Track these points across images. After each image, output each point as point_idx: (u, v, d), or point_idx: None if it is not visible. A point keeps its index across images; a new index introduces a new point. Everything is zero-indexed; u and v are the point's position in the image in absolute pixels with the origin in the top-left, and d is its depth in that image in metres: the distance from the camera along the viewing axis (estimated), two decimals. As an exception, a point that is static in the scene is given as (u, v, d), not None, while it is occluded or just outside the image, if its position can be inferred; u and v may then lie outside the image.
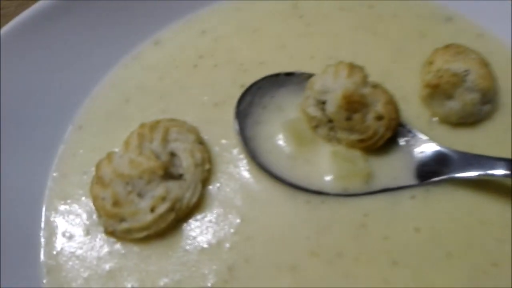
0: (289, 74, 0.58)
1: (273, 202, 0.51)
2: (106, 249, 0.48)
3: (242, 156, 0.54)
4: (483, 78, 0.54)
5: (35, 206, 0.51)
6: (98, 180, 0.49)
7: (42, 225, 0.51)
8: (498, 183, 0.52)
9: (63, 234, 0.50)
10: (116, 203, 0.47)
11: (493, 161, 0.50)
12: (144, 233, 0.48)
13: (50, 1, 0.57)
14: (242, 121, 0.54)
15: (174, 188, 0.49)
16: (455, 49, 0.57)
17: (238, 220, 0.50)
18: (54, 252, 0.49)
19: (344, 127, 0.52)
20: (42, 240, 0.50)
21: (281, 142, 0.54)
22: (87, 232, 0.50)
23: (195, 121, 0.55)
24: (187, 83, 0.59)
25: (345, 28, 0.64)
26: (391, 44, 0.62)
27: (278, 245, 0.49)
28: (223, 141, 0.54)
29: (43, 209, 0.51)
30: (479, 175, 0.49)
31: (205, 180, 0.52)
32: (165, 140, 0.51)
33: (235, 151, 0.54)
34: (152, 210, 0.47)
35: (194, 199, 0.50)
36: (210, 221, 0.50)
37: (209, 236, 0.49)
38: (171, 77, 0.60)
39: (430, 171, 0.52)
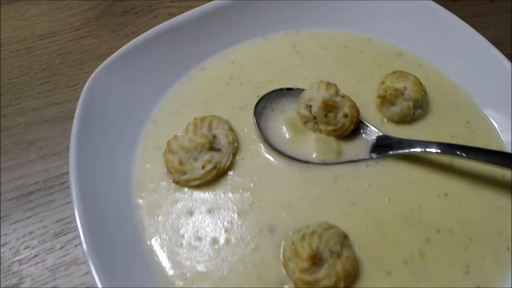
0: (289, 89, 0.77)
1: (277, 167, 0.71)
2: (174, 192, 0.69)
3: (257, 139, 0.74)
4: (415, 92, 0.75)
5: (129, 167, 0.72)
6: (169, 150, 0.70)
7: (135, 177, 0.71)
8: (422, 158, 0.71)
9: (149, 183, 0.70)
10: (180, 163, 0.68)
11: (427, 143, 0.69)
12: (198, 182, 0.68)
13: (136, 40, 0.79)
14: (258, 118, 0.74)
15: (215, 156, 0.69)
16: (399, 74, 0.78)
17: (256, 178, 0.70)
18: (143, 194, 0.69)
19: (323, 122, 0.72)
20: (135, 186, 0.70)
21: (283, 131, 0.74)
22: (163, 181, 0.70)
23: (228, 117, 0.75)
24: (222, 94, 0.80)
25: (327, 60, 0.84)
26: (358, 71, 0.82)
27: (280, 193, 0.69)
28: (246, 130, 0.75)
29: (134, 168, 0.72)
30: (420, 151, 0.69)
31: (235, 153, 0.72)
32: (210, 128, 0.72)
33: (254, 136, 0.74)
34: (203, 168, 0.68)
35: (228, 163, 0.70)
36: (238, 176, 0.70)
37: (236, 186, 0.70)
38: (212, 90, 0.80)
39: (380, 150, 0.72)
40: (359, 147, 0.74)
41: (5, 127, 0.87)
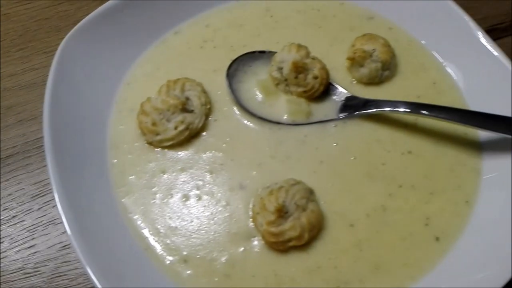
0: (262, 52, 0.79)
1: (249, 128, 0.73)
2: (148, 152, 0.71)
3: (230, 101, 0.76)
4: (383, 54, 0.76)
5: (103, 129, 0.73)
6: (142, 112, 0.71)
7: (109, 139, 0.73)
8: (388, 117, 0.73)
9: (122, 144, 0.72)
10: (153, 124, 0.70)
11: (394, 102, 0.71)
12: (170, 143, 0.70)
13: (108, 3, 0.78)
14: (230, 80, 0.76)
15: (188, 117, 0.71)
16: (369, 36, 0.79)
17: (228, 138, 0.72)
18: (118, 154, 0.71)
19: (294, 83, 0.74)
20: (109, 146, 0.72)
21: (255, 93, 0.76)
22: (136, 142, 0.72)
23: (201, 80, 0.76)
24: (196, 58, 0.80)
25: (300, 24, 0.84)
26: (330, 35, 0.83)
27: (251, 152, 0.71)
28: (219, 92, 0.76)
29: (108, 130, 0.74)
30: (386, 110, 0.71)
31: (207, 114, 0.74)
32: (182, 90, 0.73)
33: (226, 98, 0.76)
34: (175, 128, 0.70)
35: (200, 124, 0.72)
36: (210, 137, 0.72)
37: (209, 146, 0.72)
38: (186, 54, 0.81)
39: (348, 110, 0.74)
40: (328, 108, 0.76)
41: (-18, 93, 0.88)
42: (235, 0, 0.88)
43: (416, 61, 0.81)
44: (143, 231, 0.66)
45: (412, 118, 0.74)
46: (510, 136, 0.66)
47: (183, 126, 0.71)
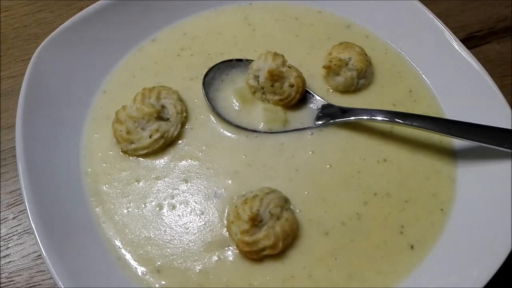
0: (238, 60, 0.79)
1: (225, 136, 0.73)
2: (122, 161, 0.71)
3: (207, 109, 0.75)
4: (359, 62, 0.77)
5: (77, 137, 0.73)
6: (117, 120, 0.71)
7: (83, 147, 0.72)
8: (364, 126, 0.74)
9: (97, 152, 0.71)
10: (128, 133, 0.69)
11: (373, 111, 0.72)
12: (145, 151, 0.70)
13: (84, 11, 0.78)
14: (207, 88, 0.76)
15: (163, 125, 0.71)
16: (345, 45, 0.80)
17: (204, 147, 0.72)
18: (92, 163, 0.70)
19: (270, 91, 0.75)
20: (83, 155, 0.71)
21: (232, 101, 0.76)
22: (111, 151, 0.71)
23: (178, 88, 0.75)
24: (173, 65, 0.80)
25: (278, 32, 0.85)
26: (307, 43, 0.84)
27: (227, 160, 0.71)
28: (196, 100, 0.76)
29: (82, 138, 0.73)
30: (367, 119, 0.71)
31: (183, 123, 0.73)
32: (158, 98, 0.72)
33: (203, 106, 0.75)
34: (150, 137, 0.69)
35: (175, 133, 0.72)
36: (186, 145, 0.72)
37: (184, 154, 0.71)
38: (162, 62, 0.80)
39: (324, 118, 0.75)
40: (305, 116, 0.76)
41: (-42, 101, 0.87)
42: (213, 8, 0.88)
43: (392, 69, 0.82)
44: (115, 240, 0.65)
45: (387, 126, 0.75)
46: (484, 144, 0.67)
47: (158, 135, 0.71)
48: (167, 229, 0.66)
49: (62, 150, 0.71)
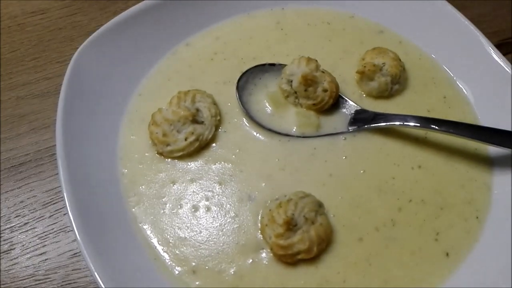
0: (271, 64, 0.79)
1: (258, 140, 0.74)
2: (158, 162, 0.72)
3: (240, 113, 0.76)
4: (393, 67, 0.77)
5: (114, 138, 0.74)
6: (154, 122, 0.72)
7: (119, 148, 0.73)
8: (398, 131, 0.73)
9: (133, 154, 0.72)
10: (164, 135, 0.70)
11: (404, 116, 0.72)
12: (180, 153, 0.71)
13: (121, 15, 0.80)
14: (240, 92, 0.76)
15: (198, 128, 0.71)
16: (379, 50, 0.80)
17: (237, 150, 0.72)
18: (128, 164, 0.71)
19: (303, 96, 0.75)
20: (119, 156, 0.72)
21: (265, 105, 0.76)
22: (147, 153, 0.72)
23: (212, 92, 0.77)
24: (207, 69, 0.81)
25: (310, 37, 0.85)
26: (340, 48, 0.84)
27: (260, 164, 0.71)
28: (229, 104, 0.77)
29: (119, 140, 0.74)
30: (399, 124, 0.71)
31: (217, 126, 0.74)
32: (193, 101, 0.73)
33: (236, 110, 0.76)
34: (186, 139, 0.70)
35: (210, 136, 0.72)
36: (220, 148, 0.73)
37: (218, 157, 0.72)
38: (196, 66, 0.81)
39: (357, 123, 0.74)
40: (337, 121, 0.76)
41: (-3, 101, 0.90)
42: (245, 13, 0.89)
43: (426, 75, 0.82)
44: (152, 240, 0.66)
45: (422, 132, 0.74)
46: (521, 152, 0.66)
47: (193, 137, 0.72)
48: (202, 230, 0.67)
49: (99, 151, 0.73)
